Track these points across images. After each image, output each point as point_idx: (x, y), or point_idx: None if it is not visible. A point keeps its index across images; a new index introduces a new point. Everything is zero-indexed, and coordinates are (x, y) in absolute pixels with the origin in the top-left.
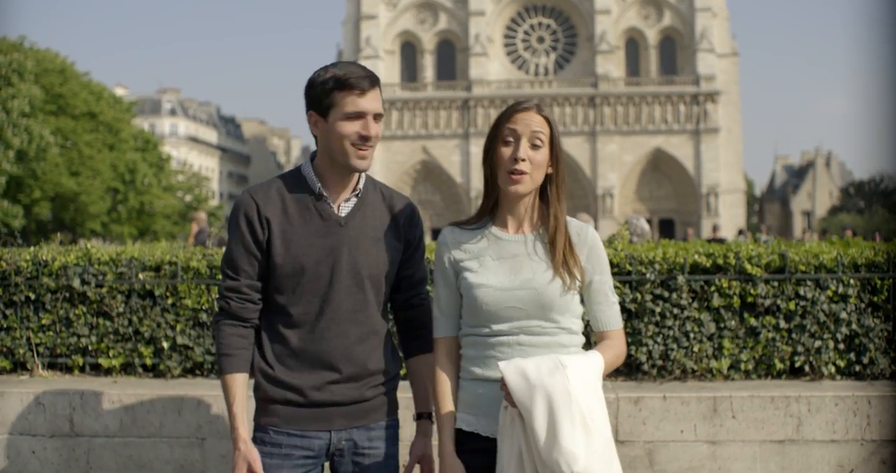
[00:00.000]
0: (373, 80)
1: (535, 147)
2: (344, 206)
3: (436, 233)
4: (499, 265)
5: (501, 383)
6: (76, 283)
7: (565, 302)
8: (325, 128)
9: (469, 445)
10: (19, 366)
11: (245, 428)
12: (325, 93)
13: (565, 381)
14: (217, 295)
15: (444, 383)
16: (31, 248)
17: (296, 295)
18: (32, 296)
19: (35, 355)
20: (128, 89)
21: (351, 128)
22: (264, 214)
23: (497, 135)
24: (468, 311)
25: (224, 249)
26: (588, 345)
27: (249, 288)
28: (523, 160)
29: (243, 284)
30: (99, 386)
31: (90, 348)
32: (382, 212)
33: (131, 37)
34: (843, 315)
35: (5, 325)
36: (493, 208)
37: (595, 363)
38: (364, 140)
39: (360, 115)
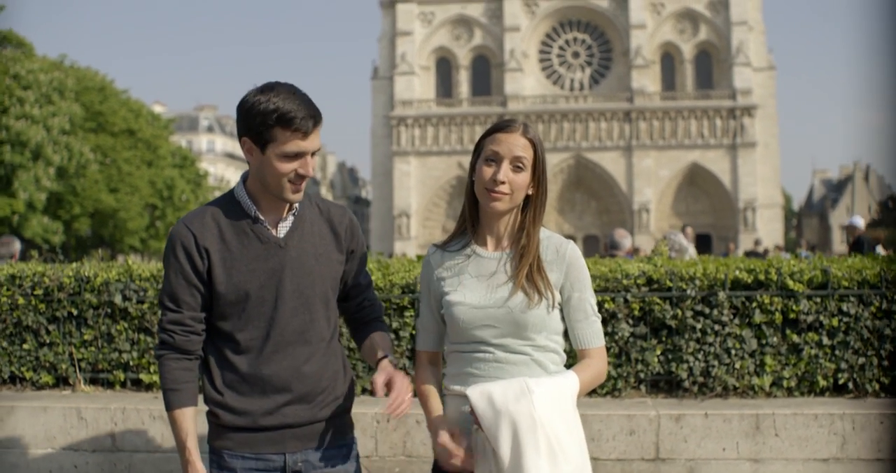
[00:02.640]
0: (316, 120)
1: (516, 169)
2: (282, 227)
3: None
4: (476, 282)
5: (470, 408)
6: (118, 299)
7: (540, 321)
8: (260, 159)
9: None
10: (62, 381)
11: (200, 462)
12: (266, 126)
13: (530, 407)
14: (158, 329)
15: (430, 391)
16: (74, 265)
17: (241, 321)
18: (75, 312)
19: (77, 370)
20: (165, 107)
21: (289, 167)
22: (202, 244)
23: (480, 153)
24: (449, 328)
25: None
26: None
27: (192, 319)
28: (503, 182)
29: (186, 316)
30: (140, 401)
31: (131, 363)
32: (321, 226)
33: (169, 55)
34: (888, 331)
35: (48, 341)
36: (474, 225)
37: (568, 385)
38: (301, 178)
39: (300, 156)
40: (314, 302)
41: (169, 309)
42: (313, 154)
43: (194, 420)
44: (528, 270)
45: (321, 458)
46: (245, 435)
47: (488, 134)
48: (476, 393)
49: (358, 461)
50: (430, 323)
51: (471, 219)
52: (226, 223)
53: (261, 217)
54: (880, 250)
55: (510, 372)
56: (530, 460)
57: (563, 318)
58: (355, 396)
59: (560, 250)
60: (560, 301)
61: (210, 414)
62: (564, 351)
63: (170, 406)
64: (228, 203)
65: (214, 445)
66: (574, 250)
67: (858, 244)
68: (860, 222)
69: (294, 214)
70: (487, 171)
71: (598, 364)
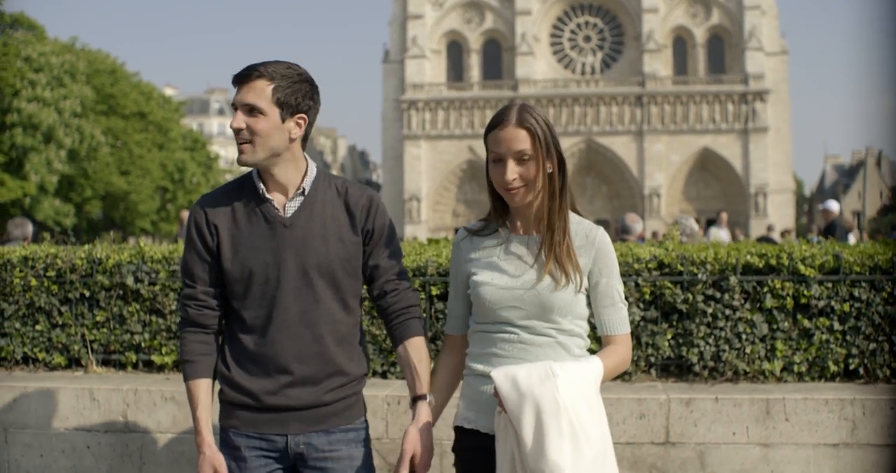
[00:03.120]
0: (246, 75)
1: (521, 161)
2: (289, 206)
3: None
4: (505, 264)
5: (494, 390)
6: (130, 281)
7: (567, 305)
8: None
9: (470, 442)
10: (74, 363)
11: (210, 433)
12: None
13: (554, 391)
14: (178, 304)
15: (439, 375)
16: (86, 247)
17: (247, 300)
18: (87, 294)
19: (89, 351)
20: (177, 89)
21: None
22: (212, 221)
23: (487, 154)
24: (475, 308)
25: None
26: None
27: (205, 294)
28: (514, 179)
29: (199, 291)
30: (152, 382)
31: (143, 345)
32: (335, 207)
33: (180, 37)
34: None
35: (61, 322)
36: (502, 212)
37: (593, 370)
38: (235, 133)
39: (234, 107)
40: (318, 284)
41: (185, 285)
42: (249, 111)
43: (208, 392)
44: (556, 252)
45: (325, 442)
46: (250, 414)
47: (488, 131)
48: (501, 375)
49: (368, 445)
50: (458, 307)
51: (498, 208)
52: (238, 202)
53: (268, 196)
54: (852, 238)
55: (534, 354)
56: (553, 442)
57: (588, 304)
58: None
59: (590, 236)
60: (587, 286)
61: (220, 392)
62: (588, 336)
63: (185, 378)
64: (244, 182)
65: (222, 423)
66: (603, 236)
67: (831, 228)
68: (834, 206)
69: (303, 194)
70: (497, 173)
71: (622, 350)
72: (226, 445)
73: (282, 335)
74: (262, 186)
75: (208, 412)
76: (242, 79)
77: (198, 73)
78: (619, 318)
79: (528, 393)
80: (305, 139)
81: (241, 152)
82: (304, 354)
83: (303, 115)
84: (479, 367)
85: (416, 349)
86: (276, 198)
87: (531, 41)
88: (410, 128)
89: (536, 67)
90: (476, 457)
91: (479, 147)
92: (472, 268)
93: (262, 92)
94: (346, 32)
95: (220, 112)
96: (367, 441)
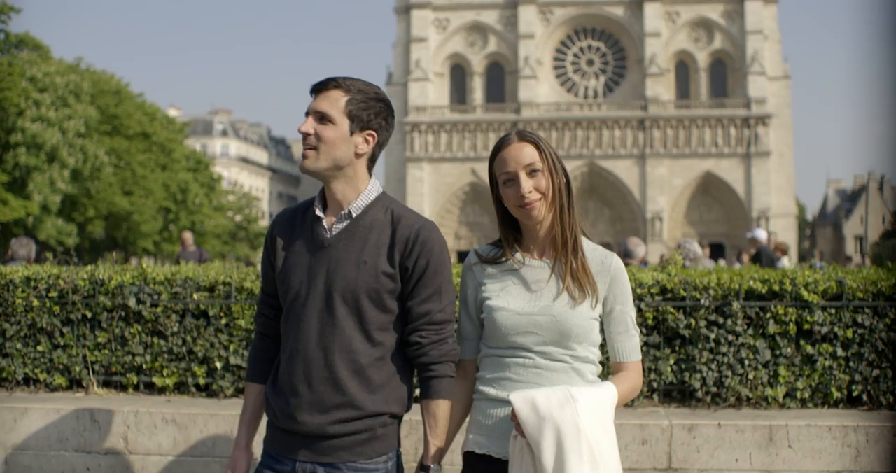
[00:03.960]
0: (324, 84)
1: (533, 173)
2: (336, 227)
3: None
4: (520, 289)
5: (512, 414)
6: (132, 302)
7: (583, 332)
8: None
9: (481, 467)
10: (75, 383)
11: (244, 434)
12: None
13: (574, 415)
14: None
15: (453, 406)
16: (88, 267)
17: (285, 315)
18: (89, 315)
19: (91, 373)
20: (180, 110)
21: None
22: (275, 233)
23: (495, 179)
24: (488, 333)
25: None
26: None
27: (264, 303)
28: (530, 192)
29: (262, 299)
30: (153, 404)
31: (144, 367)
32: (382, 234)
33: (184, 59)
34: None
35: (62, 343)
36: (516, 238)
37: (609, 395)
38: (303, 138)
39: (307, 114)
40: (340, 309)
41: (261, 290)
42: (315, 115)
43: (255, 395)
44: (573, 268)
45: None
46: (272, 432)
47: (493, 157)
48: (520, 399)
49: None
50: (470, 331)
51: (509, 236)
52: (300, 218)
53: (320, 214)
54: (785, 262)
55: (549, 379)
56: (574, 466)
57: (601, 330)
58: None
59: (605, 262)
60: (601, 313)
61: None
62: (601, 362)
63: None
64: (316, 198)
65: (264, 438)
66: (619, 263)
67: (758, 255)
68: (761, 235)
69: (351, 217)
70: (511, 192)
71: (634, 377)
72: (262, 464)
73: (299, 354)
74: (318, 205)
75: (250, 414)
76: (319, 88)
77: (202, 94)
78: (631, 345)
79: (547, 416)
80: (373, 160)
81: (304, 157)
82: (312, 378)
83: (372, 132)
84: (493, 392)
85: (432, 413)
86: (328, 218)
87: (534, 65)
88: (413, 151)
89: (539, 91)
90: None
91: (482, 169)
92: (486, 293)
93: (335, 101)
94: (350, 54)
95: (224, 133)
96: None
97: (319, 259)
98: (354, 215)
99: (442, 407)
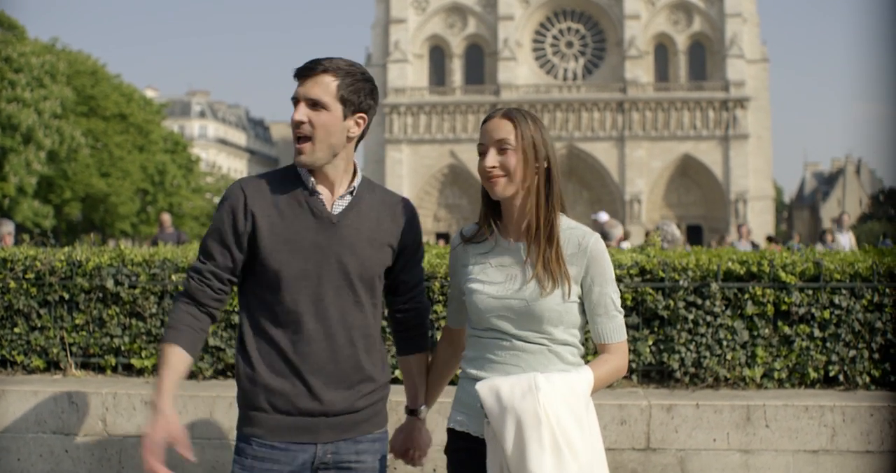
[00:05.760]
0: (311, 68)
1: (502, 151)
2: (338, 204)
3: None
4: (497, 272)
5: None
6: (110, 284)
7: (556, 315)
8: None
9: (461, 443)
10: (53, 366)
11: (172, 395)
12: None
13: (535, 404)
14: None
15: (435, 366)
16: (66, 249)
17: (283, 294)
18: (66, 296)
19: (68, 354)
20: (158, 91)
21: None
22: (250, 207)
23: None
24: (469, 314)
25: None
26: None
27: (212, 274)
28: (493, 167)
29: (207, 268)
30: (131, 386)
31: (123, 348)
32: (379, 212)
33: (162, 39)
34: (879, 324)
35: (39, 325)
36: (497, 218)
37: (581, 380)
38: (295, 126)
39: (295, 102)
40: (358, 286)
41: (197, 259)
42: (307, 102)
43: (182, 360)
44: (544, 259)
45: (353, 451)
46: (278, 419)
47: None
48: (485, 388)
49: (385, 457)
50: (455, 305)
51: (491, 213)
52: (281, 191)
53: (317, 190)
54: (626, 245)
55: (526, 361)
56: (533, 455)
57: (582, 312)
58: None
59: (582, 243)
60: (580, 294)
61: (241, 396)
62: (582, 343)
63: (162, 341)
64: (288, 173)
65: (244, 432)
66: (597, 243)
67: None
68: (603, 216)
69: (352, 194)
70: (480, 163)
71: (615, 359)
72: (244, 455)
73: (320, 334)
74: (311, 179)
75: (177, 375)
76: (307, 72)
77: (179, 75)
78: (613, 326)
79: (509, 406)
80: (359, 140)
81: (299, 153)
82: (339, 356)
83: (363, 115)
84: (473, 372)
85: (421, 363)
86: (325, 193)
87: (513, 46)
88: (392, 133)
89: (518, 72)
90: (467, 458)
91: (461, 151)
92: (466, 275)
93: (326, 86)
94: (328, 35)
95: (202, 114)
96: (386, 452)
97: (329, 236)
98: (356, 193)
99: (427, 359)
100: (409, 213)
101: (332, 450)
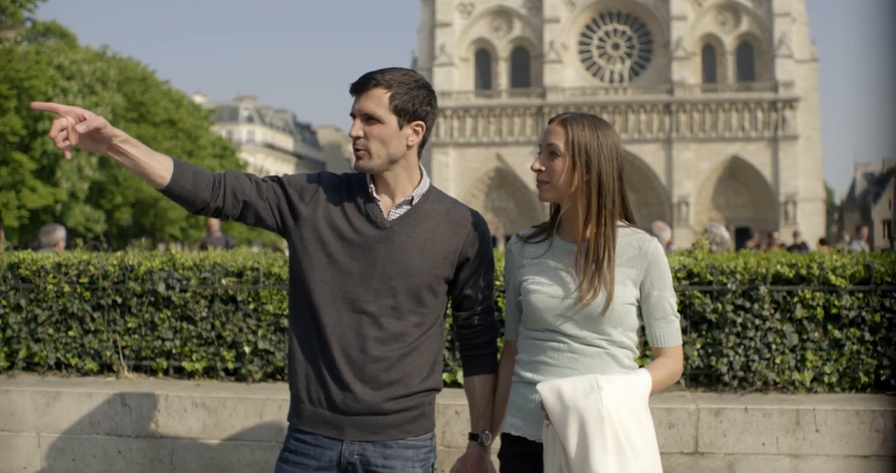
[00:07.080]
0: (364, 83)
1: (551, 155)
2: (394, 212)
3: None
4: (555, 273)
5: (541, 403)
6: (161, 288)
7: (616, 316)
8: None
9: (516, 449)
10: (106, 368)
11: (124, 136)
12: None
13: (598, 404)
14: None
15: (500, 385)
16: (118, 253)
17: (324, 287)
18: (119, 300)
19: (121, 357)
20: (206, 97)
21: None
22: (315, 193)
23: None
24: (525, 315)
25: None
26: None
27: (234, 191)
28: (539, 170)
29: (254, 178)
30: (182, 388)
31: (174, 351)
32: (440, 224)
33: (210, 46)
34: None
35: (93, 328)
36: (557, 218)
37: (640, 383)
38: (353, 141)
39: (352, 117)
40: (401, 293)
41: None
42: (362, 117)
43: (161, 159)
44: (595, 265)
45: (380, 456)
46: (312, 409)
47: None
48: (546, 388)
49: (429, 468)
50: (513, 313)
51: (555, 213)
52: (348, 192)
53: (376, 196)
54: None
55: (584, 364)
56: (597, 455)
57: (639, 315)
58: None
59: (643, 247)
60: (638, 297)
61: (290, 384)
62: (637, 346)
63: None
64: (351, 178)
65: (290, 421)
66: (657, 248)
67: None
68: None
69: (410, 203)
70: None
71: (672, 363)
72: (284, 448)
73: (353, 331)
74: (372, 186)
75: (146, 150)
76: (360, 87)
77: (227, 81)
78: (670, 331)
79: (572, 405)
80: (422, 145)
81: (358, 158)
82: (368, 354)
83: (420, 122)
84: (528, 375)
85: (484, 386)
86: (384, 201)
87: (559, 49)
88: (438, 136)
89: (565, 75)
90: (523, 464)
91: (507, 154)
92: (523, 275)
93: (379, 100)
94: (375, 39)
95: (249, 119)
96: (426, 462)
97: (378, 241)
98: (415, 202)
99: (493, 381)
100: (476, 227)
101: (359, 451)
